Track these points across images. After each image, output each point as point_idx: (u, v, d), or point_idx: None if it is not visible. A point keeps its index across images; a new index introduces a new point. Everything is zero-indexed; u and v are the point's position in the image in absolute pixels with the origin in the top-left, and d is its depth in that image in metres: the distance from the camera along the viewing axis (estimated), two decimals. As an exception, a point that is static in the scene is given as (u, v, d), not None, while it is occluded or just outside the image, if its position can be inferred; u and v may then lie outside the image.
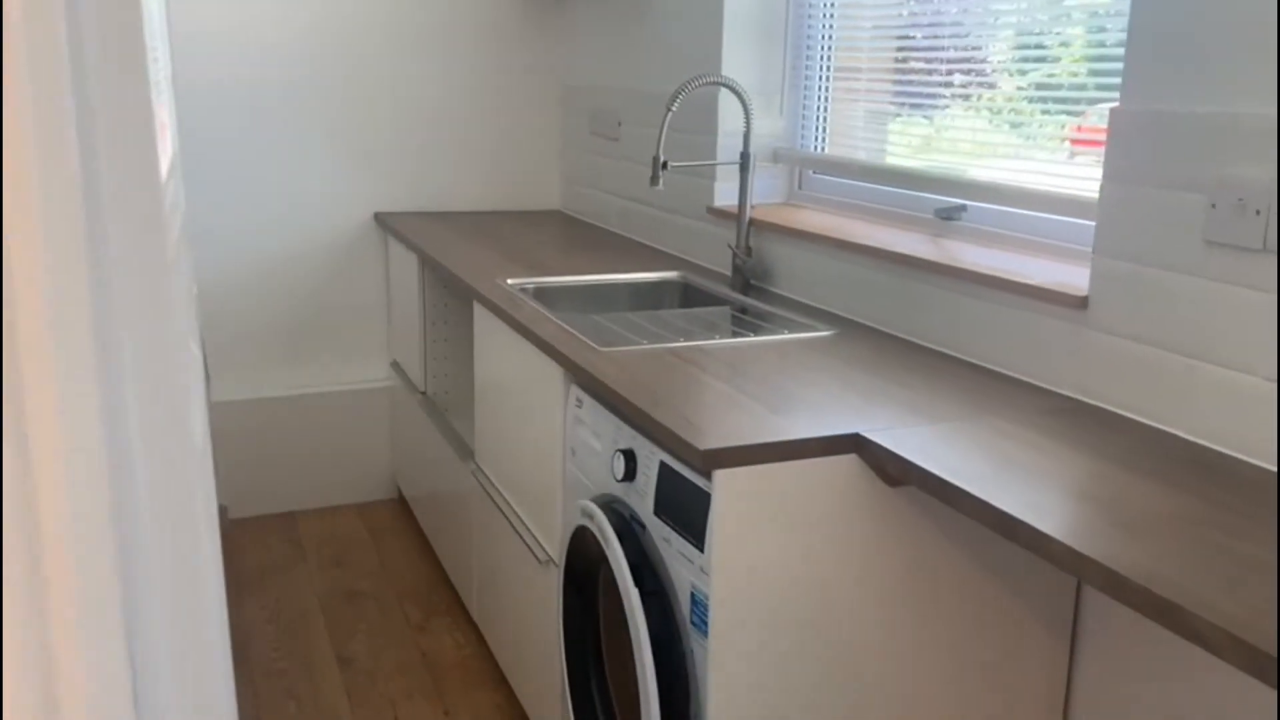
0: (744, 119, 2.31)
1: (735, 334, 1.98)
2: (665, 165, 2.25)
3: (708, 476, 1.41)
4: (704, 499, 1.43)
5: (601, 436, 1.75)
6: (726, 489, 1.39)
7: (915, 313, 1.96)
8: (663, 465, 1.55)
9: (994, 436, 1.44)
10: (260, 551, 3.14)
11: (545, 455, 2.00)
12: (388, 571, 3.04)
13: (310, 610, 2.82)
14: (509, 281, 2.37)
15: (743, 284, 2.38)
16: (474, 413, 2.54)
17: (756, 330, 2.02)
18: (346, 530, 3.29)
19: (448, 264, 2.55)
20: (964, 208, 2.03)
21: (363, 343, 3.44)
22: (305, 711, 2.40)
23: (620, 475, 1.64)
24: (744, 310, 2.23)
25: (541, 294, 2.40)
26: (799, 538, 1.44)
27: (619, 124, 3.07)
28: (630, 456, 1.63)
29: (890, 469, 1.40)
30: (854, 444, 1.44)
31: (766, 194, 2.58)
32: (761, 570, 1.43)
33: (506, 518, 2.22)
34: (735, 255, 2.39)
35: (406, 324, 3.14)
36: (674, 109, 2.21)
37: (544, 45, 3.45)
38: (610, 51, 3.11)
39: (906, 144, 2.23)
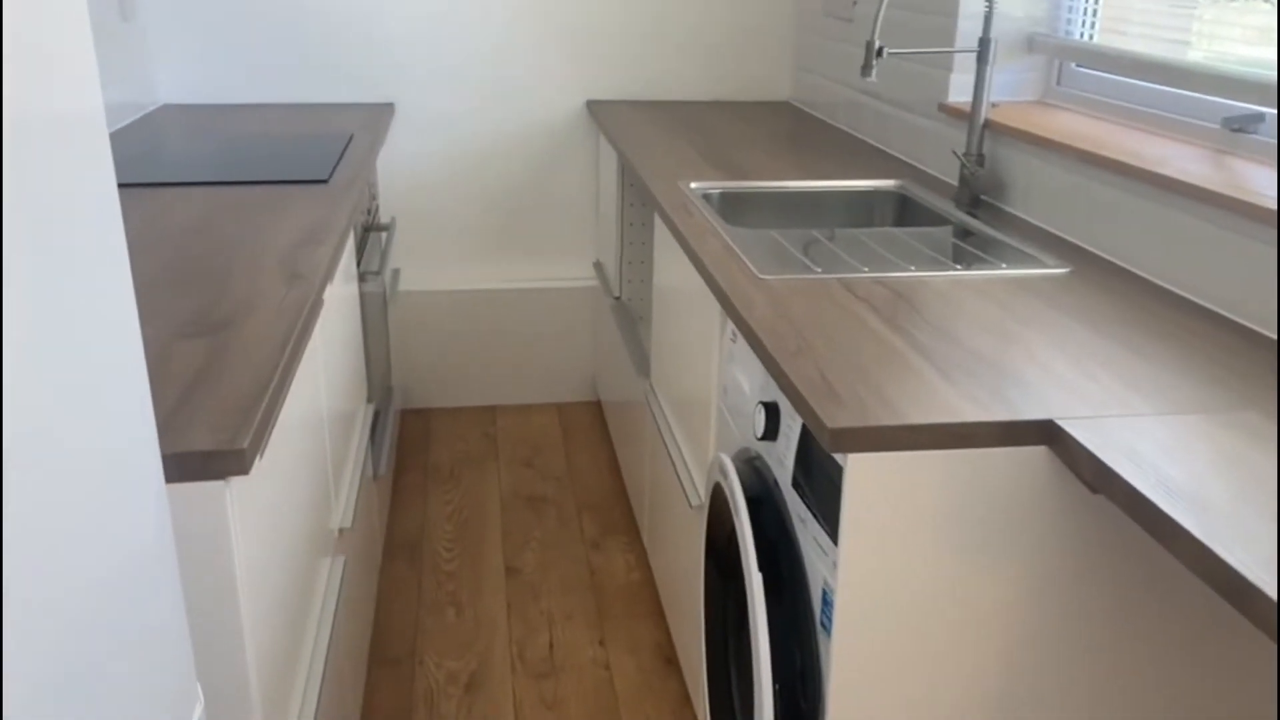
0: (986, -3, 1.89)
1: (942, 264, 1.63)
2: (881, 52, 1.88)
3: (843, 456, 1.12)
4: (840, 482, 1.14)
5: (750, 380, 1.48)
6: (862, 476, 1.09)
7: (1177, 252, 1.52)
8: (805, 430, 1.26)
9: (1252, 443, 1.06)
10: (456, 445, 3.11)
11: (700, 389, 1.76)
12: (573, 478, 2.93)
13: (490, 511, 2.76)
14: (692, 185, 2.09)
15: (970, 199, 1.99)
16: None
17: (970, 261, 1.65)
18: (541, 430, 3.20)
19: (635, 160, 2.31)
20: (1262, 117, 1.55)
21: (569, 238, 3.28)
22: (463, 619, 2.33)
23: (760, 432, 1.37)
24: (964, 233, 1.85)
25: (727, 201, 2.11)
26: (955, 545, 1.13)
27: (854, 2, 2.67)
28: (773, 412, 1.36)
29: (1087, 472, 1.05)
30: (1045, 433, 1.10)
31: (1015, 90, 2.14)
32: (902, 579, 1.13)
33: (667, 447, 2.00)
34: (963, 164, 1.99)
35: (607, 222, 2.94)
36: (895, -16, 1.83)
37: (782, -89, 3.06)
38: (852, -83, 2.69)
39: (1228, 34, 1.74)
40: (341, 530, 1.74)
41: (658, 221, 2.11)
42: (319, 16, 2.96)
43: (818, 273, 1.57)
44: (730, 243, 1.70)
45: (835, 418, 1.08)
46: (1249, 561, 0.85)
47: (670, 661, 2.20)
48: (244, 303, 1.40)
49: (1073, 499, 1.12)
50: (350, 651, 1.85)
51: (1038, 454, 1.10)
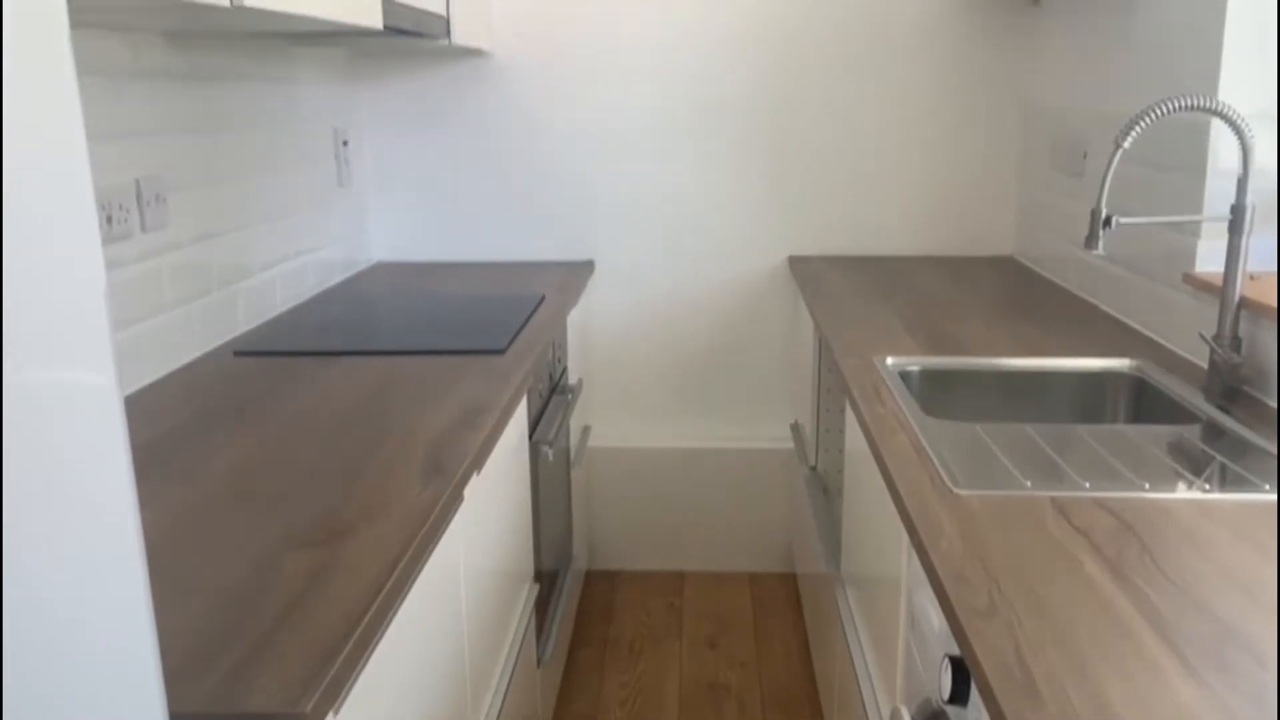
0: (1240, 156, 1.61)
1: (1185, 479, 1.34)
2: (1110, 222, 1.63)
3: (1043, 768, 0.86)
4: (1039, 797, 0.88)
5: (941, 619, 1.23)
6: (1067, 804, 0.83)
7: None
8: (997, 706, 1.01)
9: None
10: (639, 616, 2.93)
11: (887, 609, 1.51)
12: (761, 664, 2.67)
13: (668, 700, 2.54)
14: (889, 361, 1.88)
15: (1222, 389, 1.68)
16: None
17: (1224, 477, 1.35)
18: (731, 603, 2.98)
19: (829, 329, 2.12)
20: None
21: (767, 397, 3.10)
22: (625, 829, 2.11)
23: (946, 694, 1.12)
24: (1215, 433, 1.54)
25: (929, 381, 1.88)
26: None
27: (1084, 156, 2.42)
28: (962, 673, 1.11)
29: (1400, 838, 0.75)
30: (1330, 766, 0.81)
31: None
32: None
33: (853, 660, 1.75)
34: (1214, 349, 1.69)
35: (804, 383, 2.75)
36: (1126, 146, 1.59)
37: (1003, 60, 2.86)
38: (1081, 65, 2.46)
39: None
40: (480, 741, 1.59)
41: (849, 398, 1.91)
42: (524, 176, 2.99)
43: (1026, 487, 1.32)
44: (923, 441, 1.47)
45: (1029, 725, 0.83)
46: None
47: None
48: (372, 503, 1.30)
49: None
50: None
51: (1321, 794, 0.81)
